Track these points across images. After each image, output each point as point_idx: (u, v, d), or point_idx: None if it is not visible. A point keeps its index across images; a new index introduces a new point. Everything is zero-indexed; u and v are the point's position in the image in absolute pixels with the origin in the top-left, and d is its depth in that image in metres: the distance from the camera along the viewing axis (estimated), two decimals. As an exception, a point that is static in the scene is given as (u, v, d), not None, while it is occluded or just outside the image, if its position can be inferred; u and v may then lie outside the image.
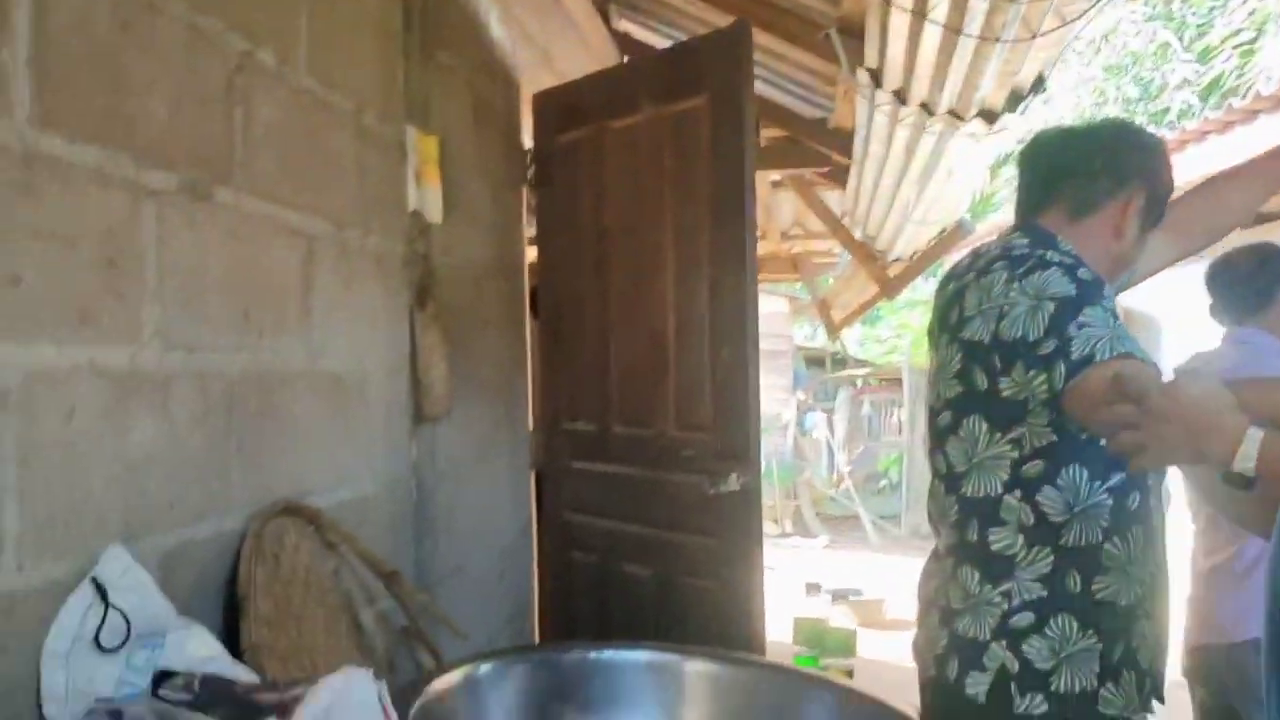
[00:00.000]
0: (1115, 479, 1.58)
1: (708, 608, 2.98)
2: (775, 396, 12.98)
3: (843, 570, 8.86)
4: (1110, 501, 1.58)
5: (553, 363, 3.50)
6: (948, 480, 1.71)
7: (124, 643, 1.35)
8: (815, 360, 16.14)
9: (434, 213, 2.64)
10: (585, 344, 3.37)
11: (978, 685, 1.61)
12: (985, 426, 1.62)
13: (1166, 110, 11.97)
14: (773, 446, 12.16)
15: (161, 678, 1.30)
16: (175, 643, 1.37)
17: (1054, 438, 1.57)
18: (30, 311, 1.30)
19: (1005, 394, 1.58)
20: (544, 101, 3.46)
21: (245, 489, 1.81)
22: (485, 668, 2.04)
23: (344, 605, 2.14)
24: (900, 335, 18.04)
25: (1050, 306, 1.51)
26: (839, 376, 14.84)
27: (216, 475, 1.72)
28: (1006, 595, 1.61)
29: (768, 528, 11.36)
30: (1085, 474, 1.57)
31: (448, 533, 2.74)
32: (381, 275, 2.37)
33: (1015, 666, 1.59)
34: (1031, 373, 1.53)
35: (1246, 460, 1.22)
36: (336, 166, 2.15)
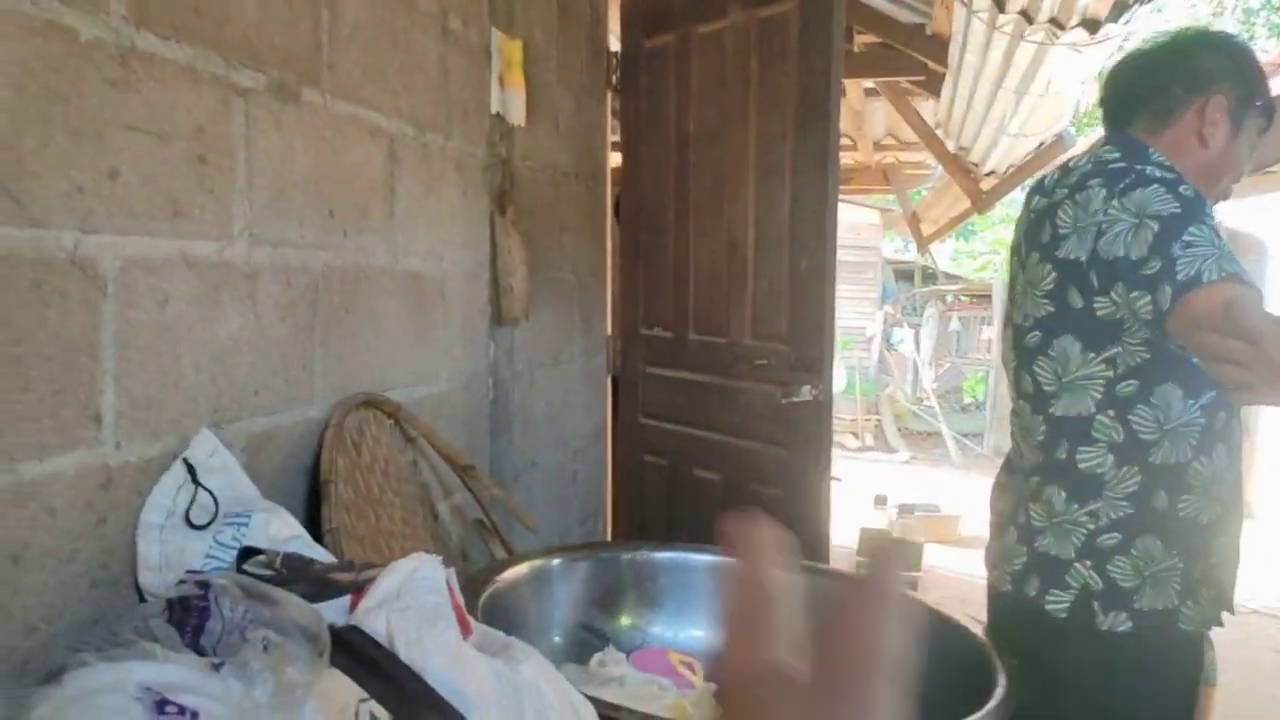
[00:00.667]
0: (1207, 397, 1.58)
1: (774, 514, 2.99)
2: (861, 310, 12.87)
3: (922, 486, 8.85)
4: (1202, 419, 1.58)
5: (632, 269, 3.53)
6: (1035, 400, 1.71)
7: (212, 520, 1.44)
8: (904, 274, 15.89)
9: (517, 116, 2.66)
10: (665, 251, 3.38)
11: (1059, 603, 1.64)
12: (1079, 346, 1.61)
13: None
14: (856, 360, 12.09)
15: (246, 554, 1.39)
16: (260, 523, 1.46)
17: (1148, 356, 1.56)
18: (127, 204, 1.36)
19: (1100, 313, 1.57)
20: (631, 5, 3.43)
21: (327, 380, 1.88)
22: (554, 561, 2.11)
23: (421, 496, 2.24)
24: (994, 251, 17.62)
25: (1154, 225, 1.48)
26: (928, 291, 14.59)
27: (300, 366, 1.80)
28: (1093, 515, 1.62)
29: (848, 441, 11.39)
30: (1179, 392, 1.57)
31: (523, 432, 2.82)
32: (462, 178, 2.41)
33: (1099, 585, 1.61)
34: (1135, 293, 1.50)
35: None
36: (420, 69, 2.18)
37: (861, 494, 7.10)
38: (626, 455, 3.62)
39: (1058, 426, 1.66)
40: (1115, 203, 1.54)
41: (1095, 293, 1.57)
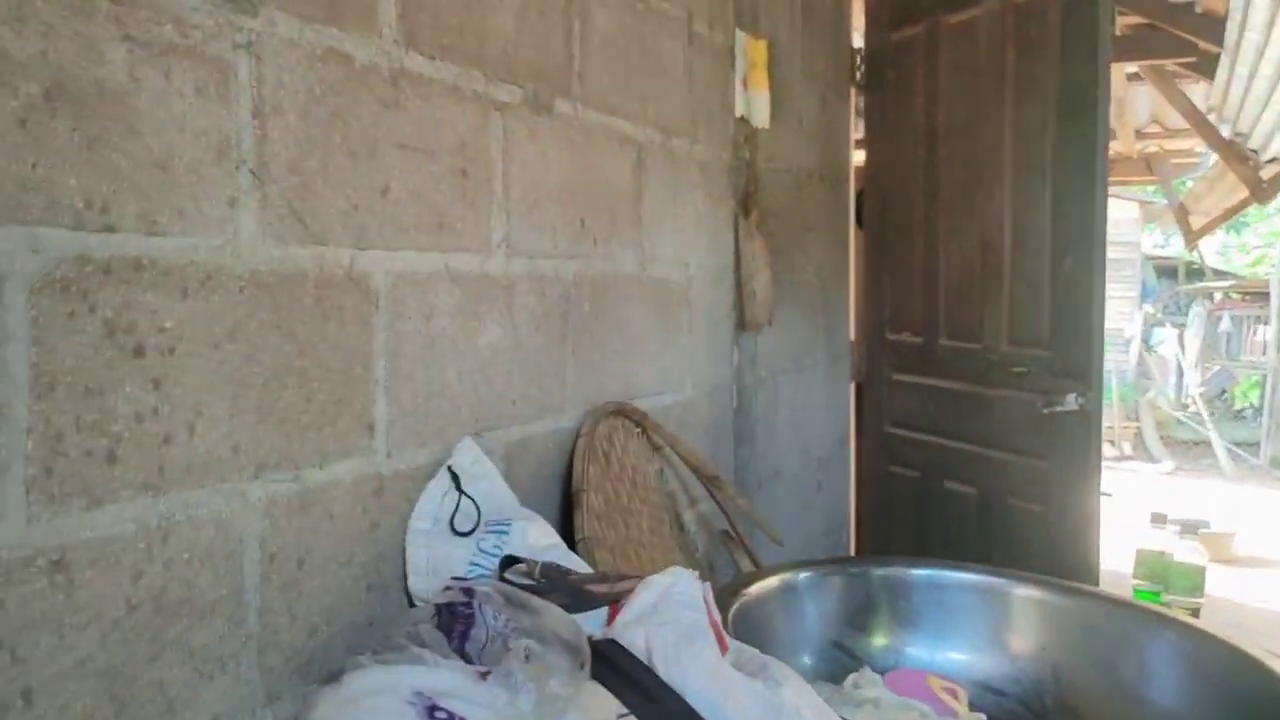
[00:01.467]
0: None
1: (1035, 532, 2.85)
2: (1119, 309, 12.06)
3: (1188, 499, 8.19)
4: None
5: (877, 272, 3.41)
6: None
7: (475, 528, 1.47)
8: (1166, 270, 14.79)
9: (761, 118, 2.61)
10: (912, 253, 3.25)
11: None
12: None
13: None
14: (1114, 363, 11.33)
15: (507, 562, 1.41)
16: (519, 531, 1.48)
17: None
18: (396, 219, 1.41)
19: None
20: (876, -2, 3.32)
21: (578, 389, 1.90)
22: (803, 575, 2.05)
23: (667, 505, 2.23)
24: (1269, 244, 16.11)
25: None
26: (1194, 289, 13.50)
27: (553, 374, 1.82)
28: None
29: (1105, 450, 10.69)
30: None
31: (767, 439, 2.77)
32: (707, 182, 2.39)
33: None
34: None
35: None
36: (666, 75, 2.17)
37: (1127, 509, 6.63)
38: (872, 465, 3.50)
39: None
40: None
41: None
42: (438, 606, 1.30)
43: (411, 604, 1.44)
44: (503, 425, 1.68)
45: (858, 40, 3.43)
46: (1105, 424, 10.48)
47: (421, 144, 1.45)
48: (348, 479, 1.35)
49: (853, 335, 3.56)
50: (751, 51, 2.55)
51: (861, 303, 3.52)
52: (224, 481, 1.18)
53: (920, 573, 2.13)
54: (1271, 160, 5.59)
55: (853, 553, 3.61)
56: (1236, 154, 5.56)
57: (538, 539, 1.50)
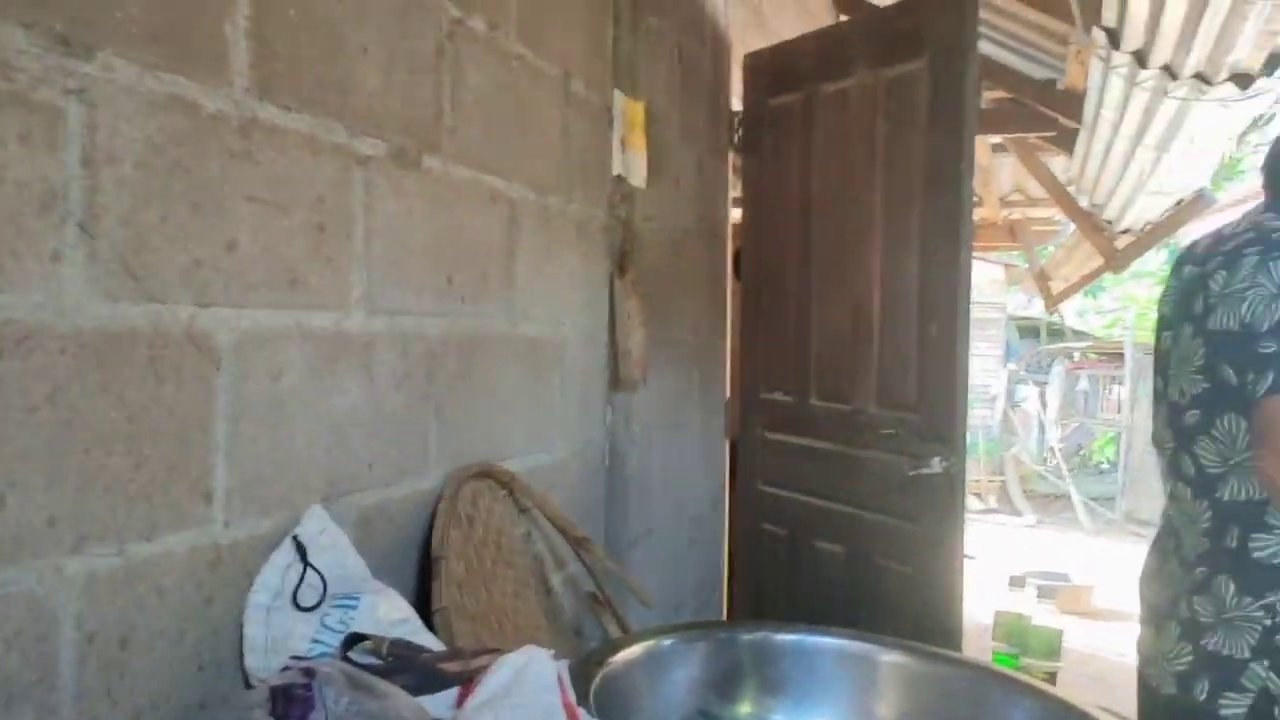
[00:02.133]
0: None
1: (902, 592, 2.88)
2: (985, 367, 12.48)
3: (1050, 553, 8.46)
4: None
5: (752, 331, 3.44)
6: (1198, 483, 1.57)
7: (320, 602, 1.39)
8: (1029, 330, 15.41)
9: (638, 178, 2.61)
10: (786, 313, 3.29)
11: (1235, 707, 1.49)
12: (1244, 424, 1.48)
13: None
14: (980, 419, 11.70)
15: (353, 640, 1.33)
16: (368, 605, 1.41)
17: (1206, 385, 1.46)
18: (244, 275, 1.34)
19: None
20: (754, 63, 3.38)
21: (442, 450, 1.84)
22: (668, 642, 2.01)
23: (533, 569, 2.17)
24: (1124, 307, 16.97)
25: None
26: (1054, 349, 14.10)
27: (415, 436, 1.76)
28: (1270, 609, 1.47)
29: (971, 503, 10.99)
30: (1243, 425, 1.44)
31: (639, 499, 2.73)
32: (582, 241, 2.37)
33: (1278, 688, 1.44)
34: (1246, 367, 1.43)
35: None
36: (542, 133, 2.15)
37: (991, 564, 6.80)
38: (745, 524, 3.50)
39: (1226, 512, 1.52)
40: (1264, 268, 1.44)
41: (1258, 363, 1.44)
42: (273, 689, 1.22)
43: (248, 684, 1.35)
44: (357, 490, 1.61)
45: (737, 104, 3.48)
46: (972, 477, 10.80)
47: (274, 197, 1.39)
48: (180, 551, 1.26)
49: (728, 393, 3.57)
50: (629, 112, 2.55)
51: (737, 362, 3.54)
52: (37, 557, 1.09)
53: (787, 638, 2.11)
54: (1125, 231, 5.89)
55: (725, 611, 3.60)
56: (1093, 224, 5.83)
57: (388, 613, 1.43)
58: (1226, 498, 1.52)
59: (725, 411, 3.53)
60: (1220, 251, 1.54)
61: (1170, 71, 3.28)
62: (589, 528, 2.46)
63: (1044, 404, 13.10)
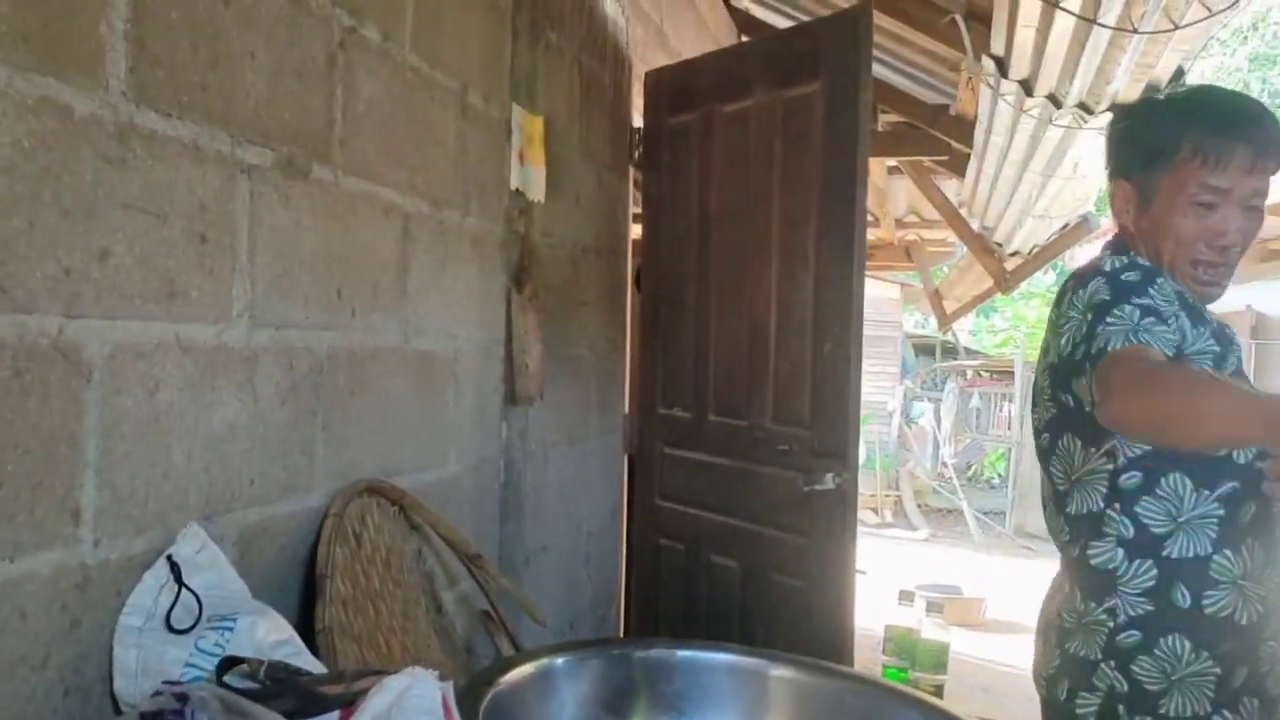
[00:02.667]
0: (1225, 488, 1.50)
1: (796, 607, 2.91)
2: (881, 384, 12.73)
3: (942, 566, 8.66)
4: (1221, 511, 1.50)
5: (651, 347, 3.45)
6: (1054, 500, 1.68)
7: (195, 624, 1.34)
8: (925, 348, 15.79)
9: (536, 192, 2.60)
10: (685, 330, 3.31)
11: (1088, 706, 1.56)
12: (1080, 443, 1.59)
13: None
14: (876, 435, 11.94)
15: (228, 663, 1.29)
16: (246, 626, 1.36)
17: (1147, 447, 1.52)
18: (118, 286, 1.30)
19: (1089, 408, 1.53)
20: (655, 81, 3.40)
21: (329, 467, 1.80)
22: (561, 660, 1.99)
23: (424, 587, 2.14)
24: (1015, 327, 17.51)
25: (1089, 316, 1.50)
26: (948, 366, 14.48)
27: (301, 453, 1.72)
28: (1111, 613, 1.55)
29: (867, 517, 11.19)
30: (1189, 483, 1.51)
31: (535, 515, 2.72)
32: (479, 255, 2.35)
33: (1124, 687, 1.53)
34: (1080, 382, 1.52)
35: None
36: (438, 145, 2.13)
37: (887, 578, 6.93)
38: (642, 539, 3.51)
39: (1074, 525, 1.62)
40: (1075, 299, 1.56)
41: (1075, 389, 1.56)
42: (143, 714, 1.18)
43: (118, 710, 1.30)
44: (238, 508, 1.56)
45: (638, 120, 3.50)
46: (869, 492, 11.00)
47: (152, 206, 1.35)
48: (45, 572, 1.21)
49: (628, 409, 3.58)
50: (528, 126, 2.54)
51: (636, 377, 3.55)
52: (-116, 580, 1.03)
53: (680, 654, 2.12)
54: (1014, 253, 6.08)
55: (622, 627, 3.60)
56: (984, 246, 6.01)
57: (267, 635, 1.39)
58: (1073, 511, 1.61)
59: (624, 427, 3.53)
60: (1067, 286, 1.65)
61: (1055, 100, 3.41)
62: (483, 544, 2.43)
63: (938, 420, 13.43)
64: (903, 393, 13.25)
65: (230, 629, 1.35)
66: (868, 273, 2.85)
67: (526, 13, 2.51)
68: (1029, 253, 6.03)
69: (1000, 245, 5.97)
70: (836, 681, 2.11)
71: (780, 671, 2.10)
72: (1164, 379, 1.36)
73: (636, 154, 3.46)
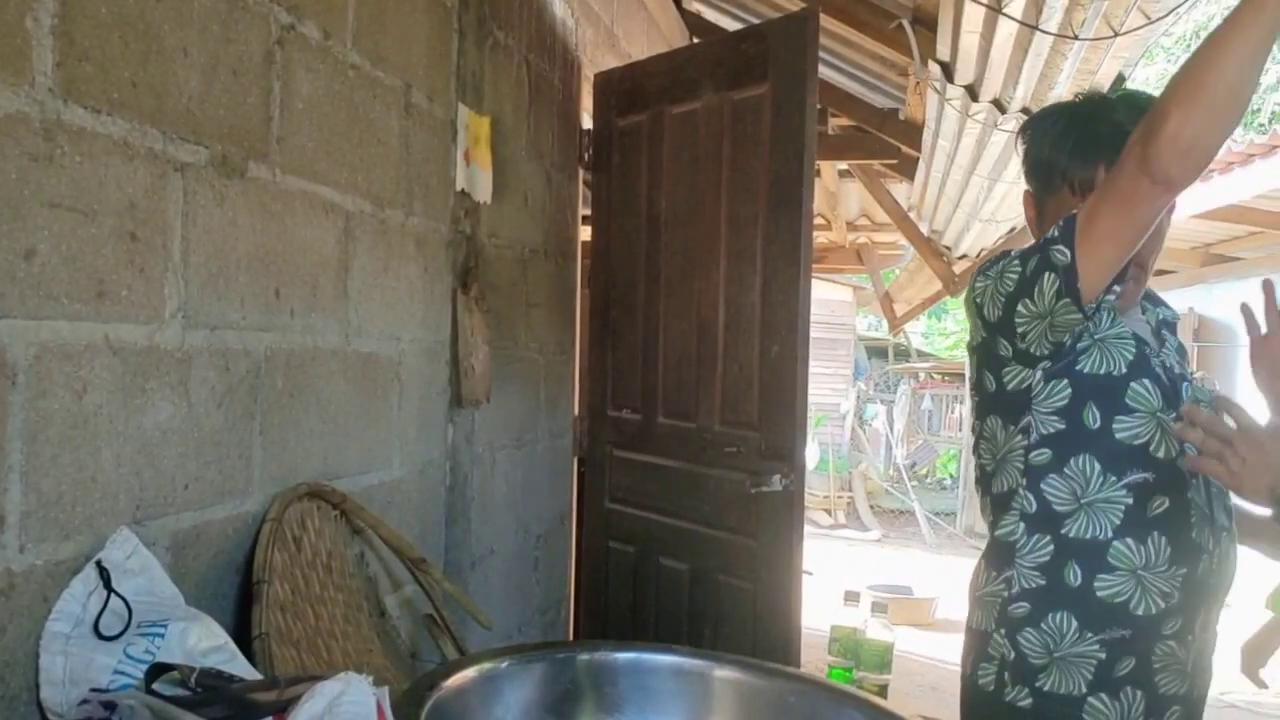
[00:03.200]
0: (1135, 476, 1.50)
1: (744, 608, 2.92)
2: (835, 386, 12.84)
3: (894, 566, 8.74)
4: (1128, 499, 1.50)
5: (601, 348, 3.45)
6: (983, 482, 1.69)
7: (124, 630, 1.32)
8: (878, 351, 15.93)
9: (483, 193, 2.59)
10: (634, 331, 3.31)
11: (986, 676, 1.59)
12: (1000, 421, 1.61)
13: (1258, 111, 11.54)
14: (830, 437, 12.02)
15: (159, 670, 1.27)
16: (177, 632, 1.34)
17: (1061, 426, 1.53)
18: (43, 286, 1.27)
19: (1010, 385, 1.57)
20: (604, 83, 3.39)
21: (267, 470, 1.77)
22: (505, 663, 1.97)
23: (367, 591, 2.12)
24: (966, 330, 17.71)
25: (1011, 266, 1.52)
26: (900, 368, 14.62)
27: (237, 456, 1.69)
28: (1008, 582, 1.57)
29: (820, 519, 11.26)
30: (1098, 466, 1.51)
31: (482, 518, 2.70)
32: (423, 255, 2.33)
33: (1011, 655, 1.55)
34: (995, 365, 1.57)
35: None
36: (380, 144, 2.11)
37: (836, 575, 6.98)
38: (592, 541, 3.50)
39: (995, 503, 1.64)
40: (984, 276, 1.57)
41: (1000, 365, 1.57)
42: (68, 725, 1.15)
43: (44, 718, 1.27)
44: (171, 512, 1.53)
45: (587, 121, 3.50)
46: (822, 493, 11.06)
47: (81, 204, 1.32)
48: (-35, 579, 1.18)
49: (577, 411, 3.57)
50: (474, 126, 2.53)
51: (586, 379, 3.55)
52: None
53: (624, 657, 2.10)
54: (962, 256, 6.15)
55: (572, 630, 3.59)
56: (933, 249, 6.08)
57: (199, 641, 1.36)
58: (995, 490, 1.63)
59: (574, 429, 3.52)
60: (974, 277, 1.68)
61: (999, 105, 3.45)
62: (428, 548, 2.41)
63: (891, 422, 13.56)
64: (856, 395, 13.36)
65: (161, 635, 1.33)
66: (820, 275, 2.86)
67: (473, 12, 2.50)
68: (977, 256, 6.10)
69: (949, 249, 6.04)
70: (780, 682, 2.11)
71: (724, 672, 2.09)
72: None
73: (586, 155, 3.45)
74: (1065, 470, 1.52)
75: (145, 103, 1.44)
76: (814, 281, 2.86)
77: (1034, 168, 1.61)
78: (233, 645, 1.44)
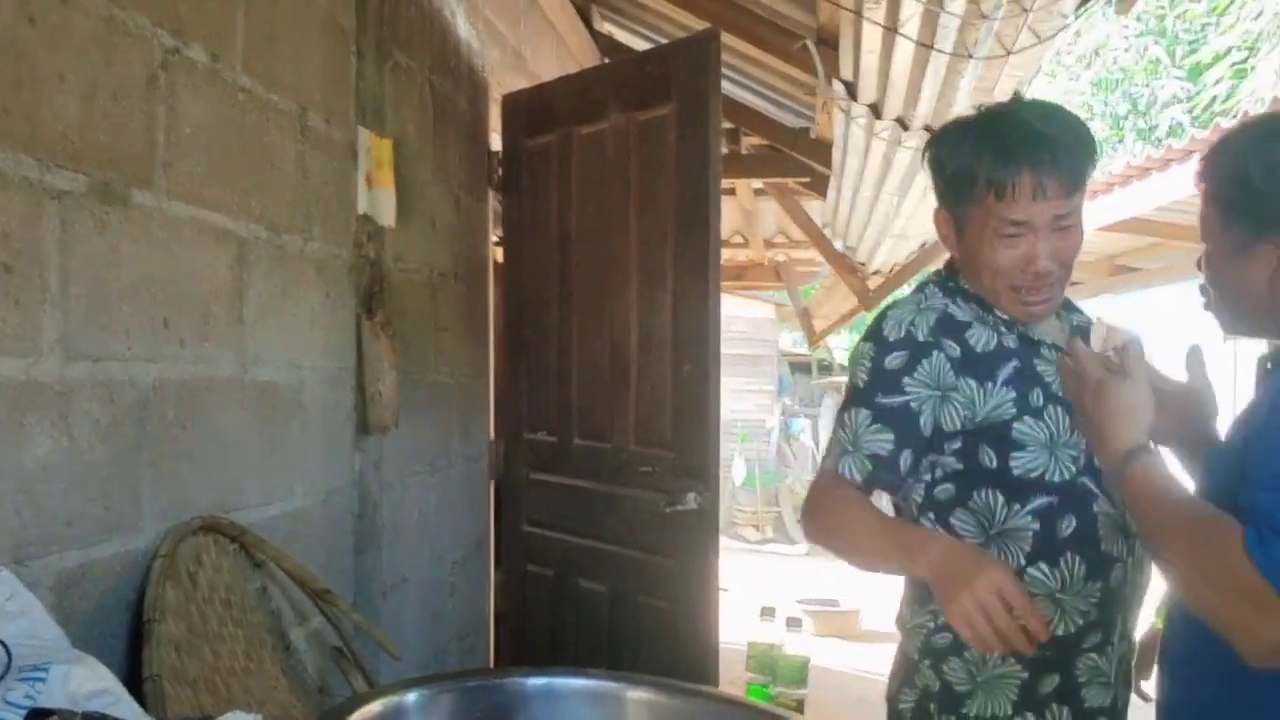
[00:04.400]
0: (1038, 502, 1.51)
1: (663, 628, 2.91)
2: (760, 403, 12.93)
3: (822, 579, 8.79)
4: (1034, 525, 1.51)
5: (515, 371, 3.43)
6: (899, 514, 1.70)
7: (3, 675, 1.26)
8: (801, 366, 16.08)
9: (387, 216, 2.56)
10: (548, 353, 3.29)
11: (907, 701, 1.60)
12: (912, 455, 1.61)
13: (1155, 127, 11.95)
14: (756, 453, 12.10)
15: (39, 716, 1.21)
16: (59, 676, 1.29)
17: (960, 466, 1.55)
18: (-94, 321, 1.22)
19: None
20: (512, 104, 3.39)
21: (159, 505, 1.72)
22: (413, 695, 1.94)
23: (271, 625, 2.06)
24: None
25: (846, 394, 1.63)
26: (824, 383, 14.77)
27: (125, 491, 1.64)
28: (933, 614, 1.57)
29: (749, 533, 11.31)
30: (1001, 497, 1.52)
31: (393, 546, 2.65)
32: (324, 281, 2.29)
33: (936, 686, 1.56)
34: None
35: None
36: (275, 169, 2.07)
37: (763, 590, 7.00)
38: (510, 566, 3.47)
39: None
40: (862, 348, 1.61)
41: None
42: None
43: (-87, 774, 1.21)
44: (55, 551, 1.48)
45: (496, 143, 3.48)
46: (750, 509, 11.10)
47: (-55, 235, 1.27)
48: None
49: (493, 434, 3.54)
50: (376, 149, 2.50)
51: (500, 401, 3.52)
52: None
53: (537, 682, 2.08)
54: (876, 272, 6.25)
55: (491, 657, 3.54)
56: (847, 265, 6.17)
57: (84, 684, 1.31)
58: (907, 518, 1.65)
59: (490, 453, 3.49)
60: (875, 321, 1.68)
61: (902, 123, 3.52)
62: (336, 579, 2.36)
63: (816, 436, 13.68)
64: (781, 410, 13.47)
65: (42, 679, 1.27)
66: (740, 293, 2.88)
67: (372, 33, 2.48)
68: (889, 271, 6.20)
69: (863, 264, 6.13)
70: (695, 701, 2.10)
71: (637, 694, 2.08)
72: (825, 522, 1.60)
73: (496, 176, 3.43)
74: (970, 504, 1.54)
75: (18, 130, 1.39)
76: (735, 299, 2.90)
77: (951, 181, 1.57)
78: (119, 687, 1.39)
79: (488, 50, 3.38)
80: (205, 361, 1.85)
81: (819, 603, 7.26)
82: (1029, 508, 1.51)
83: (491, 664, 3.47)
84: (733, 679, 3.54)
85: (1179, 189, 4.92)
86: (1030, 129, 1.49)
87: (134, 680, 1.53)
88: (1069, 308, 1.69)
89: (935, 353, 1.52)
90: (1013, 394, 1.51)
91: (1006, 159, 1.48)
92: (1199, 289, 1.44)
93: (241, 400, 1.97)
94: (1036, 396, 1.52)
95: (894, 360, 1.53)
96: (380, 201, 2.52)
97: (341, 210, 2.36)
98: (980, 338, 1.55)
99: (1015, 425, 1.50)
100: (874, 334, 1.59)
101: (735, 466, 11.73)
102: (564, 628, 3.25)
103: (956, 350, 1.53)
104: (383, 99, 2.55)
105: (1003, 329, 1.56)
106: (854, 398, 1.57)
